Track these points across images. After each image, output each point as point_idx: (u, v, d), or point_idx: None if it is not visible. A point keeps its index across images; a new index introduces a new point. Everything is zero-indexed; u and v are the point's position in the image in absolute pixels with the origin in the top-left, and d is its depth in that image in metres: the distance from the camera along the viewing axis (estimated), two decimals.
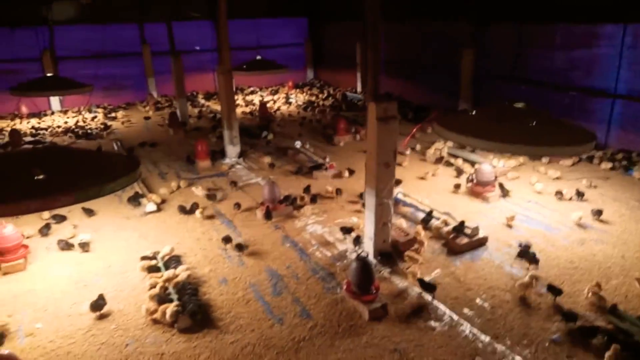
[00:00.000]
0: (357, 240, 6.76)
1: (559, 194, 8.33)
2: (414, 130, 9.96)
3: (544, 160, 10.14)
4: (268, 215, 7.78)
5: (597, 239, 6.95)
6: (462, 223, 6.88)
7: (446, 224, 7.13)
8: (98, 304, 5.56)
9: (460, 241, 6.65)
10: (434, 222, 7.25)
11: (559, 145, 6.67)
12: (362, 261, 5.45)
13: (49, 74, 14.17)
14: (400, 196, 8.25)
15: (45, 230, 7.50)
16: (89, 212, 8.17)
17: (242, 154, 11.02)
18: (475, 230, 6.81)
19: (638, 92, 10.24)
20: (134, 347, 4.99)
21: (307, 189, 8.75)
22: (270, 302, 5.73)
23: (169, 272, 6.05)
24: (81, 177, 5.91)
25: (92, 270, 6.45)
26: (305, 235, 7.36)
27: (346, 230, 7.07)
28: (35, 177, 5.16)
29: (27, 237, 7.29)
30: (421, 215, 7.63)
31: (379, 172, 6.07)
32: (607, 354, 4.47)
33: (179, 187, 9.36)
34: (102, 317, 5.47)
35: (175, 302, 5.41)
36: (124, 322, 5.40)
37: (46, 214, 7.97)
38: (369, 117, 6.01)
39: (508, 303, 5.55)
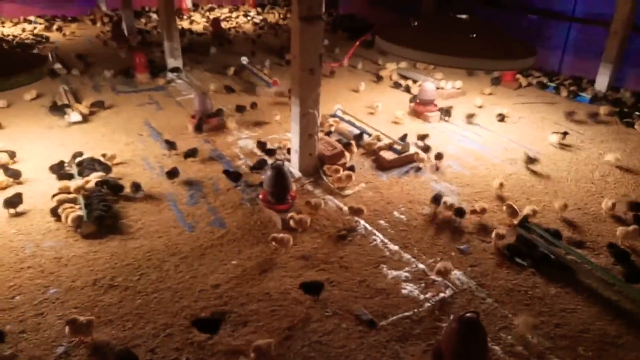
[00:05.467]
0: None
1: (500, 115, 8.20)
2: (355, 45, 9.56)
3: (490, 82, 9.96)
4: (199, 128, 7.44)
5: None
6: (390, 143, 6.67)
7: (378, 139, 6.94)
8: (12, 202, 5.34)
9: (388, 157, 6.50)
10: (367, 138, 7.06)
11: (498, 59, 6.42)
12: (277, 169, 5.24)
13: None
14: (339, 113, 7.96)
15: None
16: None
17: (180, 69, 10.40)
18: (406, 147, 6.65)
19: (594, 14, 9.91)
20: (32, 251, 4.77)
21: (253, 105, 8.38)
22: (184, 211, 5.55)
23: (79, 181, 5.75)
24: None
25: (2, 179, 6.09)
26: (234, 150, 7.09)
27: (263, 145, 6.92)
28: None
29: None
30: (356, 132, 7.40)
31: (303, 79, 5.72)
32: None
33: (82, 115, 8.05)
34: (13, 217, 5.31)
35: (76, 207, 5.17)
36: (26, 227, 5.14)
37: None
38: (292, 16, 5.56)
39: (425, 217, 5.50)
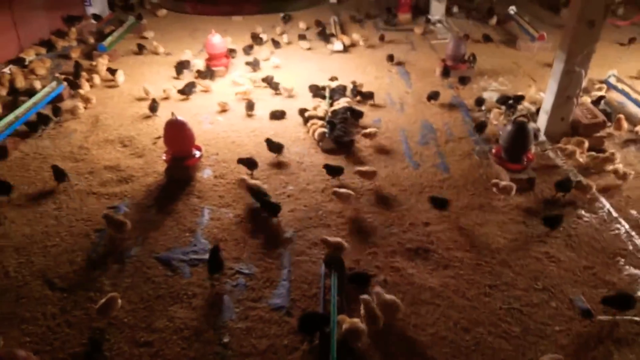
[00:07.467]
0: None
1: None
2: None
3: None
4: (445, 73, 7.30)
5: None
6: None
7: None
8: (276, 115, 6.33)
9: None
10: None
11: None
12: (519, 125, 4.82)
13: None
14: (612, 80, 6.74)
15: (248, 50, 8.48)
16: (276, 44, 8.78)
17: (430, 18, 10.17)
18: None
19: None
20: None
21: None
22: (413, 148, 5.66)
23: (329, 103, 6.37)
24: None
25: (269, 90, 7.15)
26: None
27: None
28: None
29: (232, 51, 8.35)
30: (632, 107, 6.20)
31: (578, 30, 4.97)
32: None
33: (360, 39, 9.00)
34: (271, 120, 6.28)
35: (322, 123, 5.77)
36: (283, 131, 6.04)
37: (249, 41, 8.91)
38: None
39: None
